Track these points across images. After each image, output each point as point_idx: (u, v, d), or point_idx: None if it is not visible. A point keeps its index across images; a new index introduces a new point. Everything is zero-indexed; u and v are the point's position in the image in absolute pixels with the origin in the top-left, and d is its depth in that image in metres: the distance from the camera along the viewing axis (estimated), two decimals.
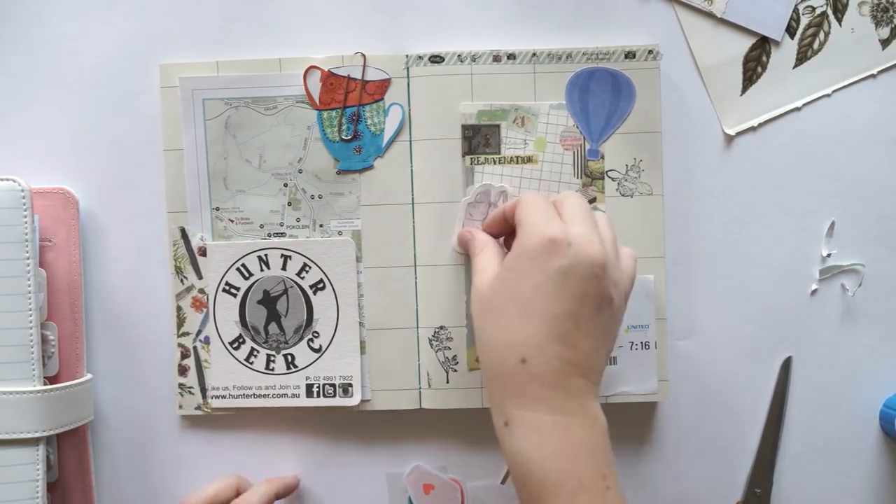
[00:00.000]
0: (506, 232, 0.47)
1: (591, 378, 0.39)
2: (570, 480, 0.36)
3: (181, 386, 0.52)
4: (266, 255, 0.51)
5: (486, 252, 0.44)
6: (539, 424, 0.37)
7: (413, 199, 0.51)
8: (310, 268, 0.51)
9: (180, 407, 0.52)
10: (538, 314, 0.38)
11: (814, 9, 0.52)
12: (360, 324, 0.51)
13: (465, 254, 0.49)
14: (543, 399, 0.37)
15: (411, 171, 0.51)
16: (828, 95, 0.52)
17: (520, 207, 0.42)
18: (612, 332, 0.41)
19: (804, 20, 0.52)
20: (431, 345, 0.51)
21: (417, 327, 0.51)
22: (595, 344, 0.39)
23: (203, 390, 0.52)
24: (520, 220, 0.41)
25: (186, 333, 0.52)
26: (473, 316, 0.41)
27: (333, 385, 0.51)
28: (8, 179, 0.46)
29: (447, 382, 0.51)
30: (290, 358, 0.51)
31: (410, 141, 0.51)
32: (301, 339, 0.51)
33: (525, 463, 0.37)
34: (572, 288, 0.38)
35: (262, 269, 0.51)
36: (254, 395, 0.51)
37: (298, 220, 0.51)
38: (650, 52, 0.50)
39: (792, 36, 0.52)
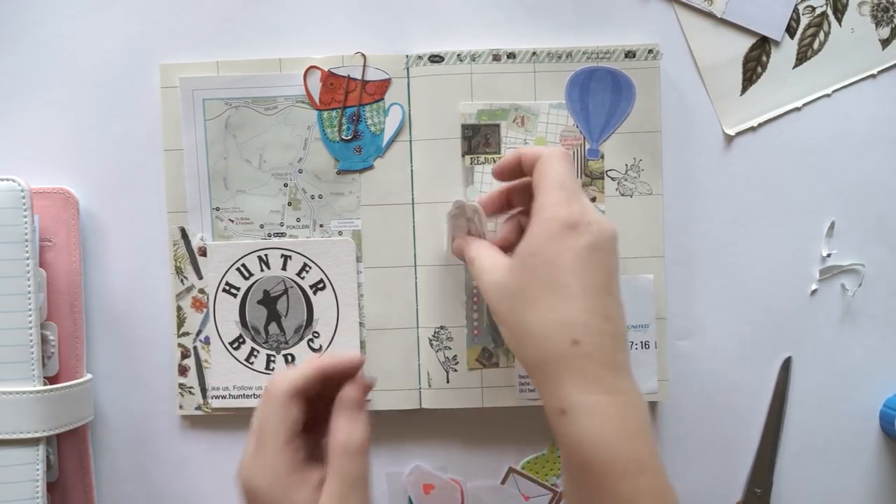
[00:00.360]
0: (515, 178, 0.45)
1: (627, 351, 0.39)
2: (633, 462, 0.35)
3: (181, 386, 0.52)
4: (266, 255, 0.51)
5: (484, 252, 0.43)
6: (599, 406, 0.36)
7: (413, 199, 0.51)
8: (310, 268, 0.51)
9: (180, 407, 0.52)
10: (579, 293, 0.37)
11: (814, 9, 0.52)
12: (360, 324, 0.51)
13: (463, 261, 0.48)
14: (599, 379, 0.36)
15: (411, 171, 0.51)
16: (828, 95, 0.52)
17: (542, 178, 0.40)
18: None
19: (804, 20, 0.52)
20: (431, 345, 0.51)
21: (417, 327, 0.51)
22: (623, 313, 0.39)
23: (203, 390, 0.52)
24: (540, 195, 0.40)
25: (186, 333, 0.52)
26: (500, 312, 0.40)
27: None
28: (8, 179, 0.46)
29: (447, 382, 0.51)
30: (290, 358, 0.51)
31: (410, 141, 0.51)
32: (301, 339, 0.51)
33: (589, 448, 0.36)
34: (600, 263, 0.38)
35: (262, 269, 0.51)
36: (254, 395, 0.51)
37: (298, 220, 0.51)
38: (650, 51, 0.50)
39: (792, 36, 0.52)
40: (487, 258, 0.43)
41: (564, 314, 0.37)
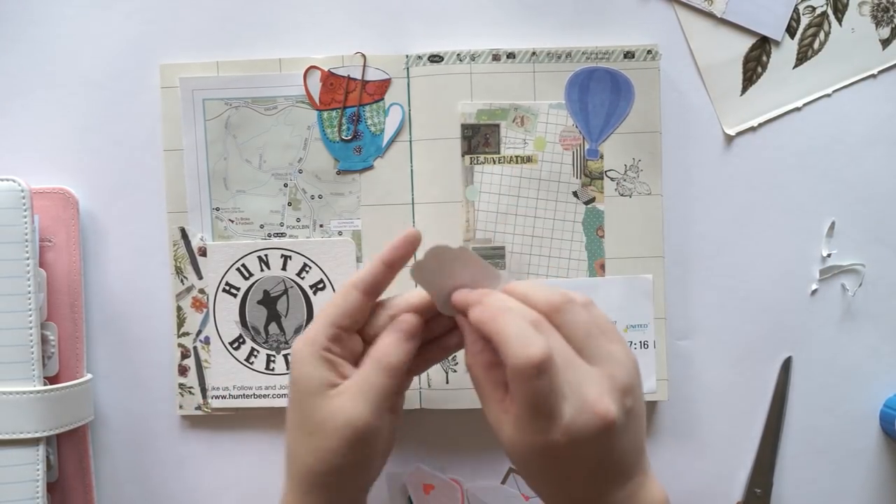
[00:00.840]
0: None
1: (643, 471, 0.37)
2: None
3: (181, 386, 0.52)
4: (266, 256, 0.51)
5: (494, 392, 0.37)
6: None
7: (413, 199, 0.51)
8: (310, 268, 0.51)
9: (180, 407, 0.52)
10: (588, 482, 0.36)
11: (814, 9, 0.52)
12: None
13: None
14: None
15: (411, 171, 0.51)
16: (828, 95, 0.52)
17: (514, 392, 0.34)
18: (642, 417, 0.38)
19: (804, 20, 0.52)
20: None
21: None
22: (642, 455, 0.37)
23: (203, 390, 0.52)
24: (515, 409, 0.35)
25: (186, 333, 0.52)
26: (514, 464, 0.39)
27: None
28: (8, 179, 0.46)
29: (447, 383, 0.51)
30: (290, 358, 0.51)
31: (410, 141, 0.51)
32: None
33: None
34: (620, 446, 0.35)
35: (262, 270, 0.51)
36: (254, 395, 0.51)
37: (298, 220, 0.51)
38: (649, 52, 0.50)
39: (792, 36, 0.52)
40: (496, 401, 0.37)
41: (562, 499, 0.37)
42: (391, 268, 0.40)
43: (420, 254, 0.40)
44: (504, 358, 0.34)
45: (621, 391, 0.35)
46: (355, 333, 0.41)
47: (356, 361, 0.40)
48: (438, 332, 0.42)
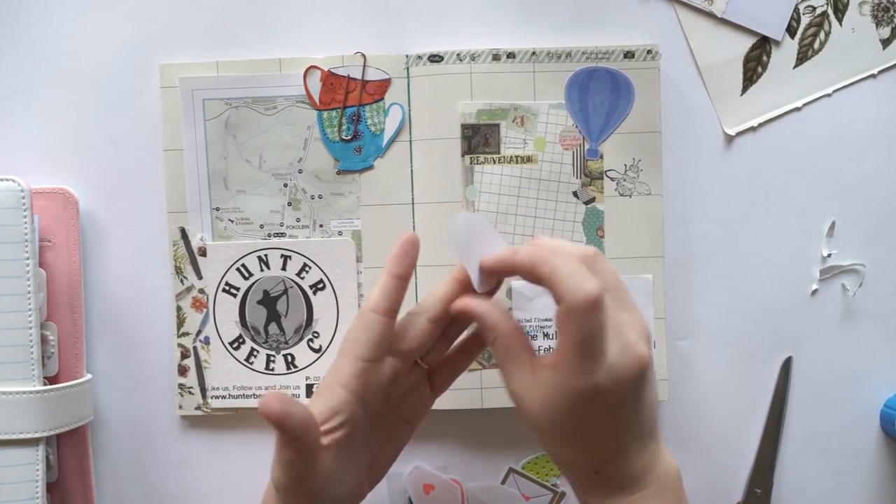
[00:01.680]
0: (508, 275, 0.40)
1: (653, 454, 0.38)
2: None
3: (181, 386, 0.52)
4: (266, 256, 0.51)
5: (512, 347, 0.38)
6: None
7: (413, 199, 0.51)
8: (310, 268, 0.51)
9: (180, 407, 0.52)
10: (601, 442, 0.36)
11: (814, 8, 0.52)
12: None
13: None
14: (618, 493, 0.37)
15: (411, 171, 0.51)
16: (828, 95, 0.52)
17: (564, 334, 0.34)
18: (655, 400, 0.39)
19: (804, 20, 0.52)
20: None
21: None
22: (650, 430, 0.38)
23: (203, 390, 0.52)
24: (562, 355, 0.35)
25: (186, 333, 0.52)
26: (529, 420, 0.37)
27: None
28: (8, 179, 0.46)
29: None
30: (290, 358, 0.51)
31: (410, 141, 0.51)
32: (301, 339, 0.51)
33: None
34: (647, 398, 0.37)
35: (262, 270, 0.51)
36: (254, 395, 0.51)
37: (298, 220, 0.51)
38: (649, 51, 0.50)
39: (792, 36, 0.52)
40: (516, 364, 0.37)
41: (588, 457, 0.37)
42: (401, 278, 0.39)
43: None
44: (559, 296, 0.34)
45: (648, 340, 0.36)
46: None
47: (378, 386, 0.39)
48: (455, 336, 0.42)
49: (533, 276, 0.36)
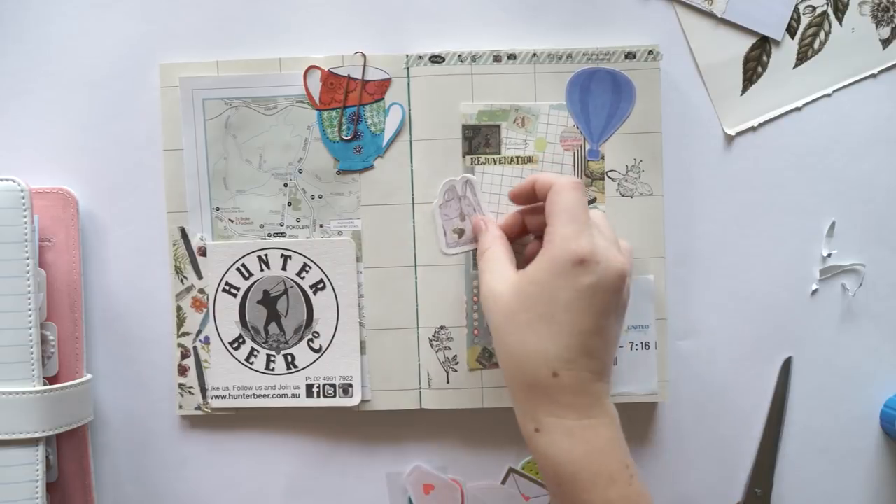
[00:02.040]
0: (530, 202, 0.47)
1: (607, 379, 0.42)
2: (602, 476, 0.39)
3: (181, 386, 0.52)
4: (266, 255, 0.51)
5: (496, 250, 0.45)
6: (569, 429, 0.40)
7: (413, 199, 0.51)
8: (310, 268, 0.51)
9: (180, 407, 0.52)
10: (569, 331, 0.40)
11: (814, 8, 0.52)
12: (361, 324, 0.51)
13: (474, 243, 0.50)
14: (572, 406, 0.40)
15: (411, 171, 0.51)
16: (828, 95, 0.52)
17: (553, 206, 0.42)
18: (620, 333, 0.43)
19: (804, 20, 0.52)
20: (432, 345, 0.51)
21: (417, 327, 0.51)
22: (613, 349, 0.42)
23: (203, 390, 0.52)
24: (551, 225, 0.41)
25: (186, 333, 0.52)
26: (492, 322, 0.42)
27: (333, 385, 0.51)
28: (8, 179, 0.46)
29: (447, 382, 0.51)
30: (290, 358, 0.51)
31: (410, 141, 0.51)
32: (301, 339, 0.51)
33: (559, 464, 0.40)
34: (599, 303, 0.40)
35: (262, 269, 0.51)
36: (254, 395, 0.51)
37: (298, 220, 0.51)
38: (650, 52, 0.50)
39: (792, 36, 0.52)
40: (498, 263, 0.44)
41: (550, 348, 0.40)
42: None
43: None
44: (551, 185, 0.42)
45: (631, 259, 0.44)
46: None
47: None
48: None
49: (535, 192, 0.44)
